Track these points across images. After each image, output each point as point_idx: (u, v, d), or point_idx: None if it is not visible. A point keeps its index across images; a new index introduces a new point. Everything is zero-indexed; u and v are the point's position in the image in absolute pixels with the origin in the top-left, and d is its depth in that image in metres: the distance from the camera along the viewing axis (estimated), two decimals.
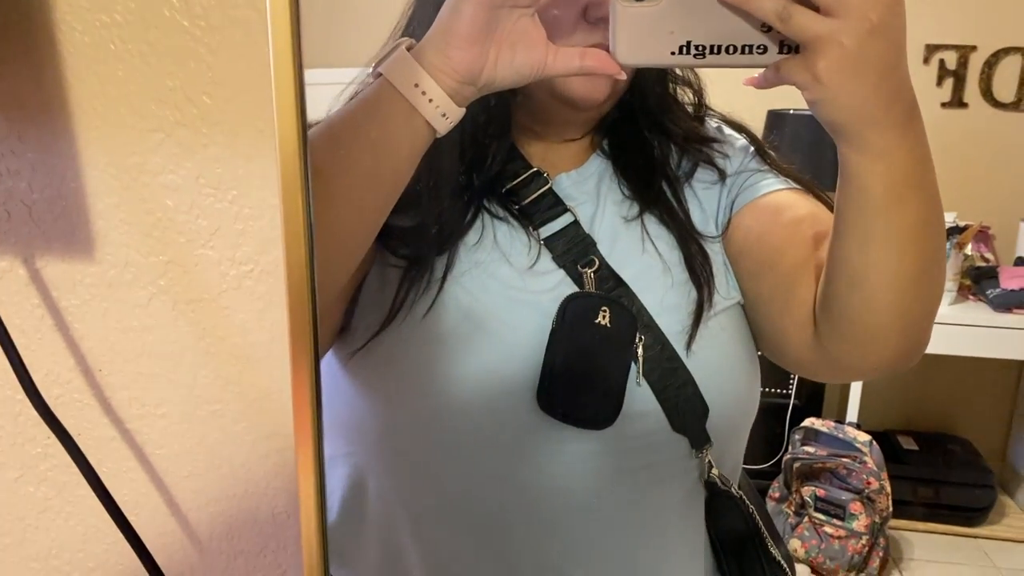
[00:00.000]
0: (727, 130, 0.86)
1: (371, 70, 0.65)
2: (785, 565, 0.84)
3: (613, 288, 0.75)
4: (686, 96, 0.84)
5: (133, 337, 0.53)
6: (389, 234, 0.71)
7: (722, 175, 0.82)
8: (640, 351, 0.73)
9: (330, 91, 0.76)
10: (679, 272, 0.77)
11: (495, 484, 0.74)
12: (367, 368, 0.75)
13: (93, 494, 0.54)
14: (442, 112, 0.62)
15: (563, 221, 0.77)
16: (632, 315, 0.73)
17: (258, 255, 0.51)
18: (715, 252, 0.80)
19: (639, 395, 0.73)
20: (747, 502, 0.80)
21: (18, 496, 0.58)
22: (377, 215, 0.66)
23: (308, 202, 0.46)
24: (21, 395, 0.53)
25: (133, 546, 0.54)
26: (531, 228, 0.77)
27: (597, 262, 0.75)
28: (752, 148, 0.83)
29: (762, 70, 0.59)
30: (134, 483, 0.56)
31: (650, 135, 0.81)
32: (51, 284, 0.52)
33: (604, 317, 0.72)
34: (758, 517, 0.81)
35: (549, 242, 0.77)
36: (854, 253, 0.64)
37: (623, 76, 0.62)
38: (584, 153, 0.83)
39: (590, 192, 0.80)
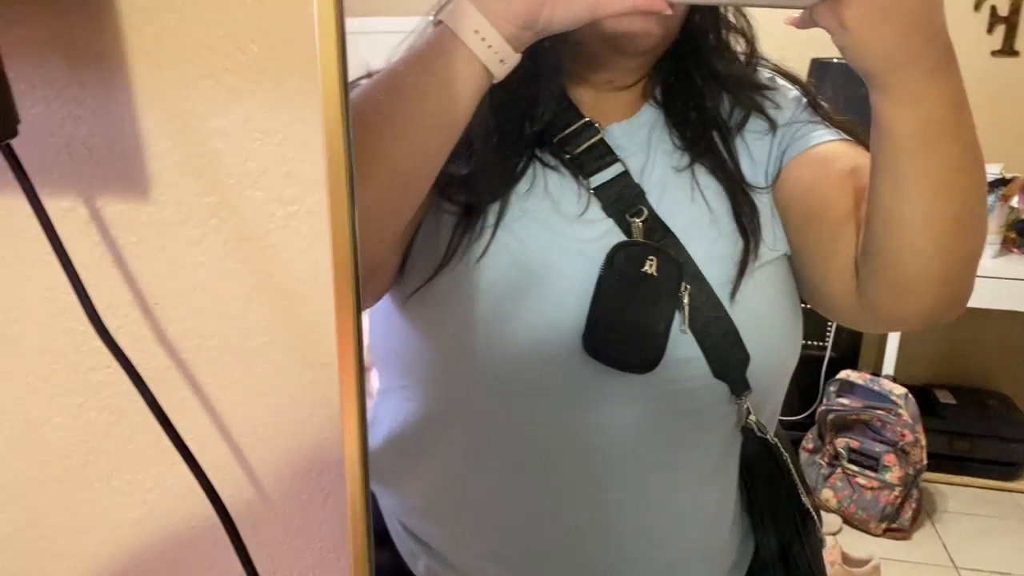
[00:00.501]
0: (780, 80, 0.85)
1: (432, 18, 0.68)
2: (814, 514, 0.86)
3: (661, 238, 0.76)
4: (738, 44, 0.84)
5: (186, 273, 0.57)
6: (444, 181, 0.74)
7: (773, 125, 0.82)
8: (686, 300, 0.75)
9: (387, 39, 0.78)
10: (726, 223, 0.78)
11: (541, 424, 0.77)
12: (421, 310, 0.78)
13: (151, 420, 0.58)
14: (500, 57, 0.64)
15: (613, 171, 0.78)
16: (679, 264, 0.75)
17: (303, 196, 0.54)
18: (763, 203, 0.80)
19: (683, 342, 0.75)
20: (782, 449, 0.82)
21: (81, 421, 0.62)
22: (436, 160, 0.68)
23: (349, 145, 0.49)
24: (84, 326, 0.57)
25: (191, 468, 0.58)
26: (581, 177, 0.79)
27: (645, 212, 0.77)
28: (804, 99, 0.83)
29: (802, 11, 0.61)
30: (188, 410, 0.60)
31: (703, 83, 0.81)
32: (110, 223, 0.56)
33: (651, 266, 0.74)
34: (791, 465, 0.83)
35: (599, 192, 0.78)
36: (888, 197, 0.66)
37: (669, 11, 0.63)
38: (636, 102, 0.83)
39: (641, 143, 0.81)
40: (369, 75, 0.80)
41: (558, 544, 0.81)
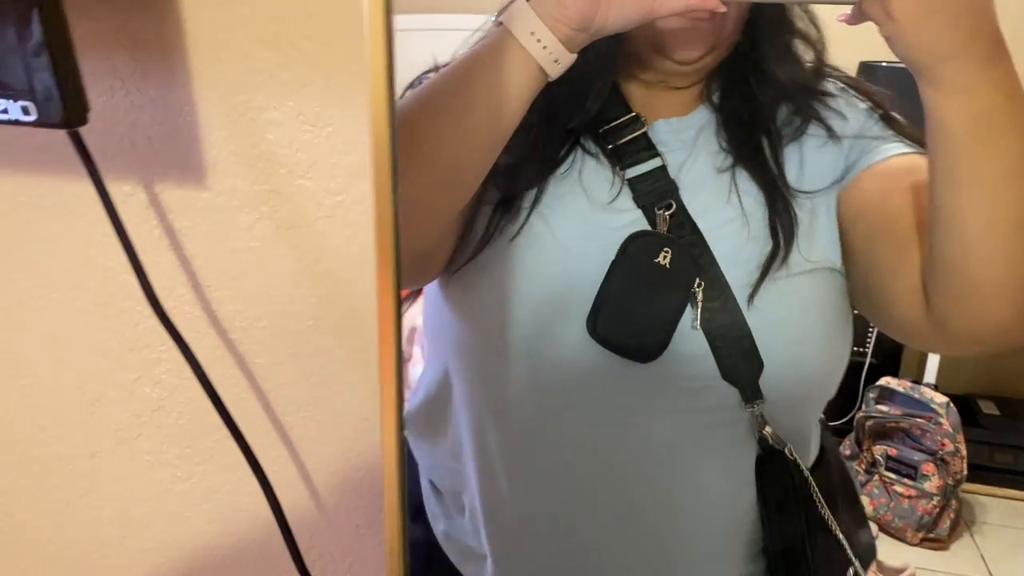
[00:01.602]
0: (851, 92, 0.84)
1: (494, 18, 0.70)
2: (840, 536, 0.82)
3: (686, 234, 0.77)
4: (806, 52, 0.83)
5: (238, 257, 0.60)
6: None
7: (832, 134, 0.80)
8: (699, 297, 0.75)
9: (448, 36, 0.81)
10: (759, 227, 0.78)
11: (544, 400, 0.79)
12: (459, 288, 0.82)
13: (201, 396, 0.61)
14: (555, 58, 0.67)
15: (651, 164, 0.80)
16: (694, 261, 0.76)
17: (349, 187, 0.56)
18: (808, 213, 0.79)
19: (693, 339, 0.75)
20: (800, 466, 0.80)
21: (136, 396, 0.66)
22: (489, 154, 0.72)
23: (394, 139, 0.51)
24: (141, 305, 0.60)
25: (238, 443, 0.61)
26: (618, 168, 0.80)
27: (675, 206, 0.78)
28: (877, 112, 0.82)
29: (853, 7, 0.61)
30: (236, 388, 0.63)
31: (760, 89, 0.81)
32: (167, 208, 0.59)
33: (665, 258, 0.75)
34: (812, 481, 0.81)
35: (633, 183, 0.79)
36: (945, 197, 0.64)
37: (723, 9, 0.65)
38: (691, 103, 0.84)
39: (686, 141, 0.82)
40: (436, 69, 0.84)
41: (562, 518, 0.83)
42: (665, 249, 0.75)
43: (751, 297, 0.76)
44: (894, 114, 0.82)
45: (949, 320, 0.69)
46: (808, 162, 0.80)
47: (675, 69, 0.80)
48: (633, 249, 0.76)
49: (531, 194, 0.79)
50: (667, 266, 0.75)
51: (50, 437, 0.68)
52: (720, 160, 0.80)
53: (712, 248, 0.77)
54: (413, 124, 0.72)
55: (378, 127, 0.49)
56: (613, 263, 0.76)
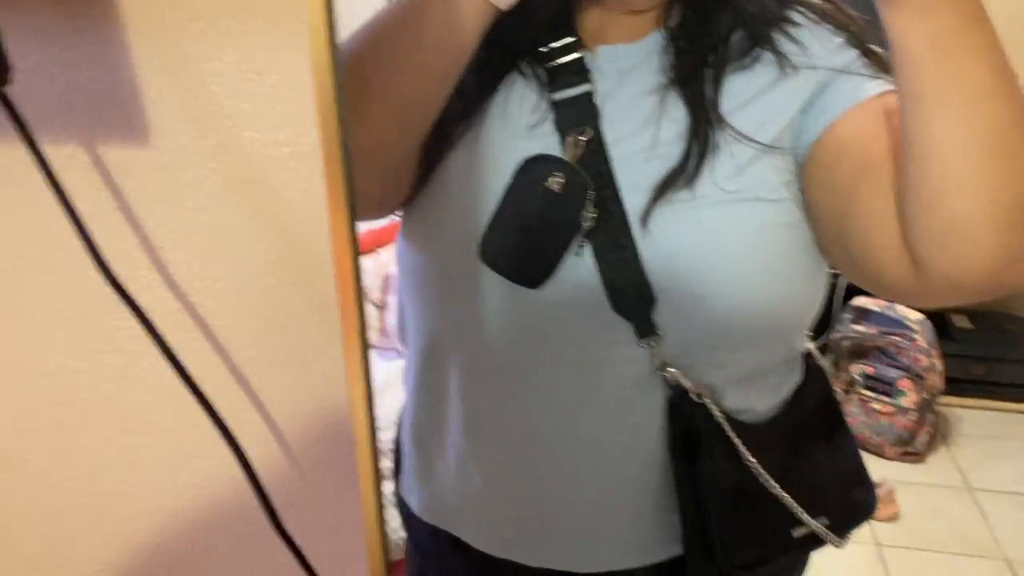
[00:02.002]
0: (825, 25, 0.79)
1: None
2: (777, 490, 0.78)
3: (595, 163, 0.75)
4: None
5: (190, 216, 0.57)
6: None
7: (787, 66, 0.76)
8: (587, 223, 0.73)
9: None
10: (671, 151, 0.74)
11: (459, 330, 0.80)
12: (406, 216, 0.82)
13: (164, 362, 0.60)
14: None
15: (579, 90, 0.77)
16: (587, 186, 0.73)
17: (298, 137, 0.54)
18: (733, 143, 0.75)
19: (581, 266, 0.73)
20: (710, 410, 0.76)
21: (97, 366, 0.64)
22: (444, 86, 0.71)
23: (338, 83, 0.49)
24: (93, 272, 0.58)
25: (205, 409, 0.60)
26: (547, 90, 0.78)
27: (591, 133, 0.75)
28: (855, 47, 0.77)
29: None
30: (199, 351, 0.62)
31: (718, 12, 0.77)
32: (112, 169, 0.57)
33: (556, 183, 0.74)
34: (729, 428, 0.77)
35: (558, 106, 0.77)
36: (916, 126, 0.62)
37: None
38: (645, 27, 0.80)
39: (624, 69, 0.79)
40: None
41: (476, 436, 0.84)
42: (557, 173, 0.74)
43: (644, 220, 0.72)
44: (874, 48, 0.77)
45: (932, 267, 0.65)
46: (757, 96, 0.76)
47: None
48: (527, 173, 0.74)
49: (467, 120, 0.78)
50: (557, 191, 0.74)
51: (14, 411, 0.66)
52: (654, 83, 0.77)
53: (619, 176, 0.75)
54: (362, 63, 0.69)
55: (321, 75, 0.46)
56: (508, 187, 0.75)
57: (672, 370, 0.75)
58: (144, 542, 0.69)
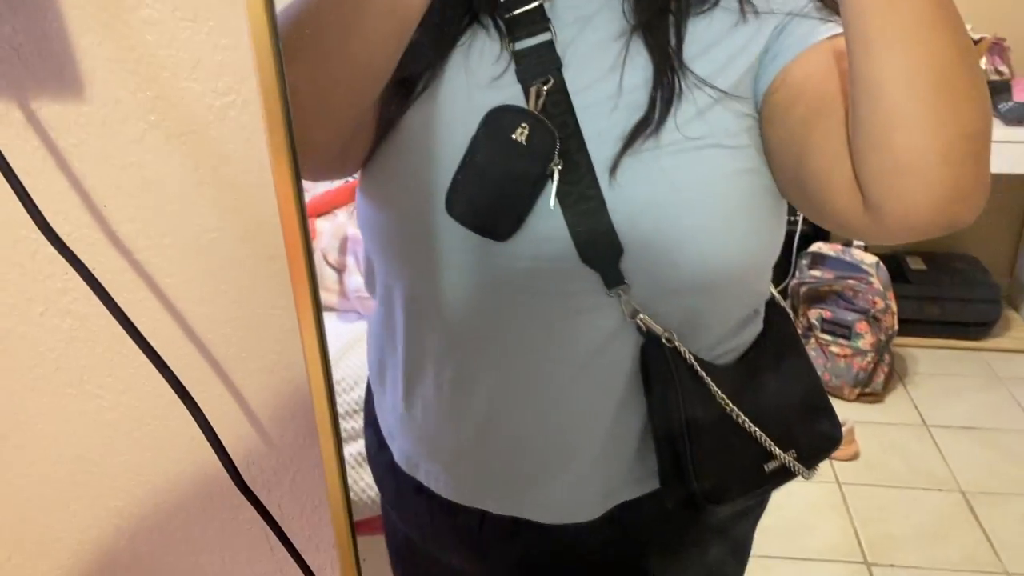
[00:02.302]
0: None
1: None
2: (749, 426, 0.80)
3: (559, 113, 0.75)
4: None
5: (132, 172, 0.56)
6: None
7: (746, 8, 0.76)
8: (555, 174, 0.74)
9: None
10: (635, 98, 0.74)
11: (418, 281, 0.79)
12: (366, 173, 0.80)
13: (115, 323, 0.59)
14: None
15: (540, 39, 0.77)
16: (553, 137, 0.73)
17: (238, 85, 0.53)
18: (695, 88, 0.74)
19: (550, 218, 0.73)
20: (682, 352, 0.77)
21: (46, 329, 0.63)
22: (398, 43, 0.69)
23: (274, 29, 0.48)
24: (35, 233, 0.57)
25: (158, 367, 0.59)
26: (508, 41, 0.77)
27: (553, 81, 0.75)
28: None
29: None
30: (150, 310, 0.61)
31: None
32: (48, 125, 0.55)
33: (522, 134, 0.73)
34: (700, 369, 0.78)
35: (519, 56, 0.76)
36: (862, 64, 0.64)
37: None
38: None
39: (587, 15, 0.79)
40: None
41: (441, 404, 0.84)
42: (523, 125, 0.73)
43: (612, 171, 0.72)
44: None
45: (883, 205, 0.66)
46: (716, 41, 0.77)
47: None
48: (491, 125, 0.73)
49: (427, 75, 0.77)
50: (523, 143, 0.73)
51: None
52: (618, 28, 0.77)
53: (584, 126, 0.75)
54: (302, 29, 0.68)
55: (256, 19, 0.45)
56: (472, 139, 0.74)
57: (643, 317, 0.75)
58: (107, 506, 0.69)
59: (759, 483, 0.82)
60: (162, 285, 0.60)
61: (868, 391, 2.71)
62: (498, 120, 0.74)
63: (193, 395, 0.60)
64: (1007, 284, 3.28)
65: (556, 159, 0.72)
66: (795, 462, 0.82)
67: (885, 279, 2.67)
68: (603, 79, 0.75)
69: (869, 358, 2.63)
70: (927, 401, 2.73)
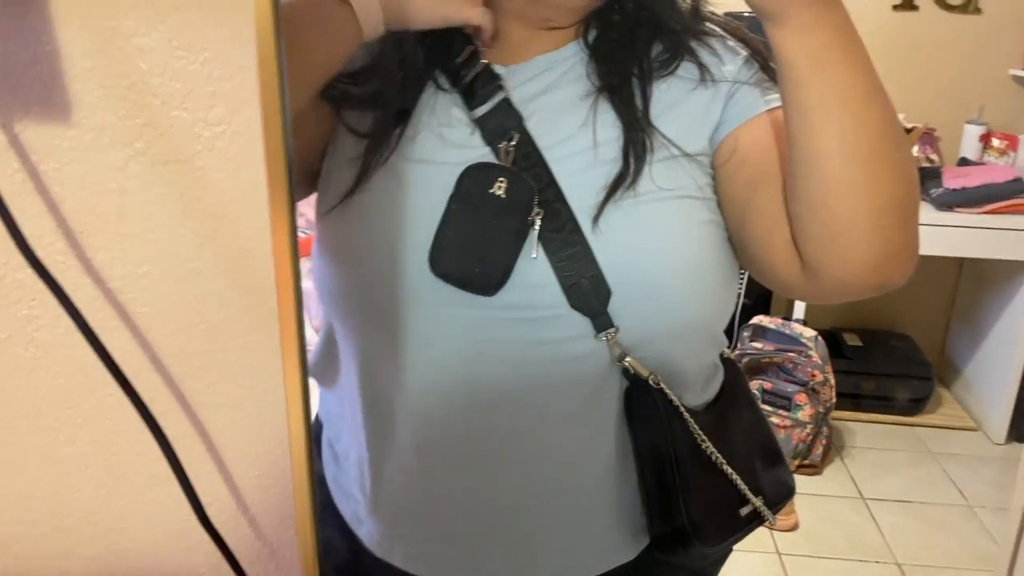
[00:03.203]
0: (730, 39, 0.85)
1: None
2: (729, 471, 0.83)
3: (531, 165, 0.77)
4: (684, 0, 0.84)
5: (112, 199, 0.56)
6: (349, 105, 0.79)
7: (706, 75, 0.81)
8: (537, 224, 0.75)
9: None
10: (610, 153, 0.78)
11: (404, 344, 0.78)
12: (329, 232, 0.80)
13: (79, 352, 0.57)
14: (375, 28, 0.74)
15: (495, 101, 0.79)
16: (531, 188, 0.75)
17: (230, 116, 0.53)
18: (664, 147, 0.79)
19: (535, 267, 0.75)
20: (668, 396, 0.79)
21: (7, 357, 0.61)
22: (306, 92, 0.75)
23: (282, 63, 0.49)
24: (7, 257, 0.56)
25: (130, 398, 0.58)
26: (469, 108, 0.80)
27: (518, 137, 0.78)
28: (758, 61, 0.83)
29: None
30: (119, 340, 0.60)
31: (637, 28, 0.81)
32: (30, 148, 0.54)
33: (500, 188, 0.75)
34: (685, 414, 0.80)
35: (482, 121, 0.79)
36: (800, 131, 0.68)
37: None
38: (565, 39, 0.83)
39: (550, 76, 0.81)
40: None
41: (415, 474, 0.82)
42: (500, 179, 0.75)
43: (596, 220, 0.75)
44: (772, 64, 0.81)
45: (820, 267, 0.71)
46: (677, 103, 0.81)
47: (563, 3, 0.79)
48: (469, 181, 0.76)
49: (396, 135, 0.79)
50: (502, 196, 0.75)
51: None
52: (584, 88, 0.80)
53: (561, 177, 0.77)
54: None
55: (264, 48, 0.46)
56: (451, 197, 0.76)
57: (630, 359, 0.77)
58: (54, 549, 0.66)
59: (735, 527, 0.84)
60: (135, 315, 0.59)
61: (807, 463, 2.75)
62: (475, 176, 0.76)
63: (161, 428, 0.59)
64: (938, 362, 3.39)
65: (536, 208, 0.74)
66: (763, 507, 0.84)
67: (823, 353, 2.74)
68: (576, 135, 0.78)
69: (808, 430, 2.67)
70: (863, 474, 2.78)
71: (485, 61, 0.81)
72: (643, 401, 0.79)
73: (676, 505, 0.80)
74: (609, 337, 0.76)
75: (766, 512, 0.86)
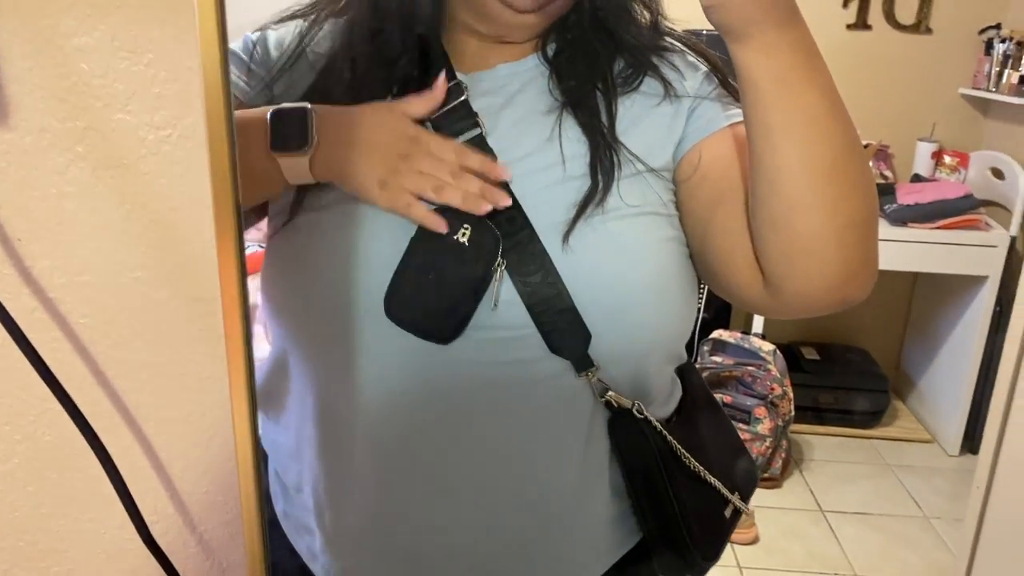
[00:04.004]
0: (690, 54, 0.84)
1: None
2: (711, 480, 0.83)
3: (501, 211, 0.75)
4: (643, 16, 0.83)
5: (52, 205, 0.54)
6: None
7: (669, 91, 0.80)
8: (498, 273, 0.73)
9: None
10: (577, 167, 0.77)
11: (355, 364, 0.75)
12: (274, 251, 0.78)
13: (16, 366, 0.55)
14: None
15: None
16: (496, 237, 0.73)
17: (176, 119, 0.52)
18: (630, 162, 0.78)
19: (502, 312, 0.73)
20: (652, 422, 0.79)
21: None
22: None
23: (226, 64, 0.47)
24: None
25: (69, 413, 0.56)
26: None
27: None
28: (717, 77, 0.82)
29: None
30: (58, 352, 0.57)
31: (598, 45, 0.80)
32: None
33: (464, 235, 0.73)
34: (667, 436, 0.80)
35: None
36: (763, 150, 0.68)
37: None
38: (523, 52, 0.82)
39: (511, 88, 0.80)
40: (262, 29, 0.82)
41: (372, 514, 0.80)
42: (464, 226, 0.73)
43: (566, 237, 0.74)
44: (731, 80, 0.81)
45: (782, 284, 0.72)
46: (641, 118, 0.80)
47: (513, 20, 0.77)
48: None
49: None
50: (465, 243, 0.73)
51: None
52: (546, 103, 0.79)
53: (525, 194, 0.75)
54: None
55: (208, 48, 0.45)
56: (412, 240, 0.73)
57: (612, 394, 0.76)
58: (0, 573, 0.63)
59: (725, 530, 0.84)
60: (75, 326, 0.57)
61: (767, 476, 2.76)
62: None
63: (103, 443, 0.57)
64: (894, 375, 3.44)
65: (500, 259, 0.72)
66: (740, 502, 0.85)
67: (782, 366, 2.76)
68: (541, 149, 0.76)
69: (768, 443, 2.69)
70: (822, 486, 2.80)
71: (464, 97, 0.78)
72: (630, 431, 0.79)
73: (677, 529, 0.80)
74: (589, 375, 0.75)
75: (742, 506, 0.87)
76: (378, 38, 0.77)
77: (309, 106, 0.72)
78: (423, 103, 0.75)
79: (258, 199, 0.77)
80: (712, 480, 0.83)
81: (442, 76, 0.75)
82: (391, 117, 0.75)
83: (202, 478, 0.62)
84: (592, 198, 0.75)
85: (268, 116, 0.71)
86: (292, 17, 0.85)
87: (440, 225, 0.72)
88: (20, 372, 0.56)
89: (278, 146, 0.71)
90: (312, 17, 0.83)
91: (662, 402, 0.84)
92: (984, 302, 2.86)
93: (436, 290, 0.72)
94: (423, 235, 0.73)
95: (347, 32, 0.79)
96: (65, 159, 0.53)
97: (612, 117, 0.79)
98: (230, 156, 0.50)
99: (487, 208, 0.72)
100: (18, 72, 0.51)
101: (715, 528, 0.84)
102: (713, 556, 0.83)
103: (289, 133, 0.71)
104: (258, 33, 0.84)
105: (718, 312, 3.13)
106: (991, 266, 2.83)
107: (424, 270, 0.72)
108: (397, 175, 0.72)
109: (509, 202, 0.73)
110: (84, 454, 0.60)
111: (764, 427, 2.68)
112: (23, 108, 0.51)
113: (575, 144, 0.77)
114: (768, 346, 2.79)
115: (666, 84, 0.80)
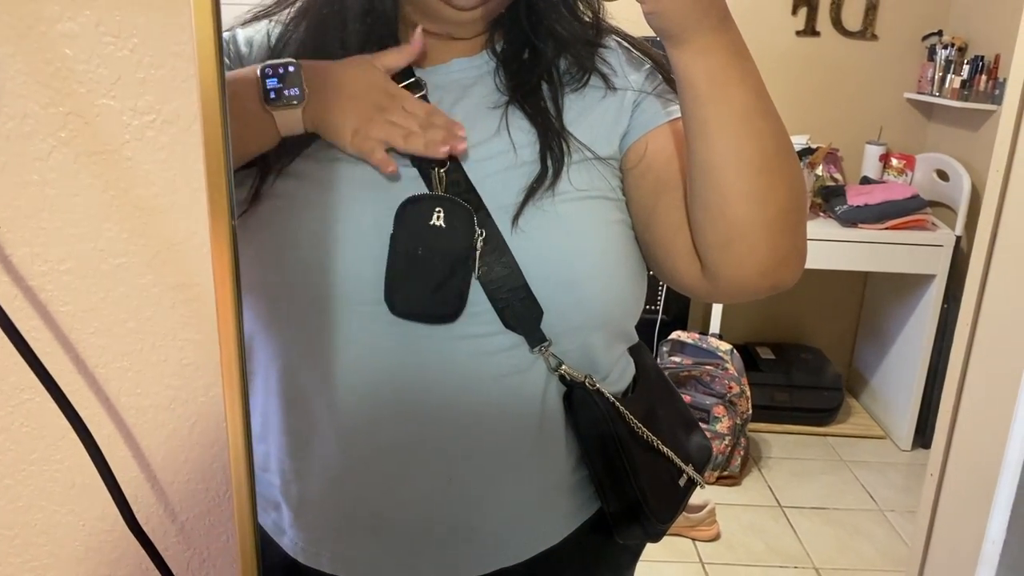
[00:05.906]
0: (633, 51, 0.88)
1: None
2: (664, 449, 0.86)
3: (462, 191, 0.78)
4: (586, 15, 0.87)
5: (33, 191, 0.54)
6: None
7: (611, 85, 0.84)
8: (479, 245, 0.76)
9: None
10: (527, 154, 0.80)
11: (322, 343, 0.77)
12: (246, 231, 0.79)
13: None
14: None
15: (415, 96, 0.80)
16: (469, 211, 0.76)
17: (160, 104, 0.52)
18: (579, 151, 0.82)
19: (475, 289, 0.77)
20: (604, 393, 0.82)
21: None
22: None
23: (220, 51, 0.48)
24: None
25: (57, 402, 0.55)
26: None
27: (449, 163, 0.78)
28: (660, 73, 0.86)
29: None
30: (39, 341, 0.57)
31: (541, 41, 0.84)
32: None
33: (439, 218, 0.76)
34: (620, 407, 0.83)
35: None
36: (699, 144, 0.74)
37: None
38: (474, 48, 0.86)
39: (464, 84, 0.83)
40: (231, 29, 0.83)
41: (359, 490, 0.82)
42: (437, 209, 0.76)
43: (515, 219, 0.77)
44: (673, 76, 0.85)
45: (718, 270, 0.77)
46: (588, 110, 0.84)
47: (459, 18, 0.80)
48: (407, 217, 0.76)
49: (303, 148, 0.79)
50: (442, 225, 0.76)
51: None
52: (494, 99, 0.82)
53: (478, 178, 0.78)
54: None
55: (203, 32, 0.45)
56: (392, 236, 0.76)
57: (566, 367, 0.79)
58: None
59: (679, 498, 0.87)
60: (56, 314, 0.56)
61: (726, 474, 2.80)
62: (412, 211, 0.76)
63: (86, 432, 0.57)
64: (847, 373, 3.51)
65: (478, 229, 0.75)
66: (695, 473, 0.88)
67: (739, 366, 2.80)
68: (493, 138, 0.80)
69: (727, 441, 2.73)
70: (780, 483, 2.85)
71: (423, 92, 0.81)
72: (584, 402, 0.82)
73: (628, 485, 0.83)
74: (543, 351, 0.77)
75: (697, 477, 0.92)
76: (339, 37, 0.81)
77: (296, 61, 0.76)
78: (400, 55, 0.80)
79: (248, 156, 0.78)
80: (665, 450, 0.87)
81: (419, 30, 0.79)
82: (370, 71, 0.78)
83: (184, 466, 0.62)
84: (542, 182, 0.79)
85: (259, 72, 0.75)
86: (256, 18, 0.87)
87: (389, 165, 0.76)
88: None
89: (273, 100, 0.74)
90: (276, 17, 0.85)
91: (615, 379, 0.88)
92: (932, 300, 2.94)
93: (430, 275, 0.74)
94: (401, 227, 0.75)
95: (310, 32, 0.82)
96: (47, 145, 0.53)
97: (559, 108, 0.84)
98: (224, 138, 0.50)
99: (445, 151, 0.76)
100: (0, 57, 0.50)
101: (669, 495, 0.89)
102: (668, 519, 0.88)
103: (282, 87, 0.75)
104: (228, 33, 0.86)
105: (677, 314, 3.18)
106: (938, 265, 2.91)
107: (412, 259, 0.75)
108: (370, 123, 0.76)
109: (465, 145, 0.77)
110: (62, 444, 0.60)
111: (723, 426, 2.72)
112: (5, 93, 0.51)
113: (525, 134, 0.81)
114: (725, 346, 2.84)
115: (605, 78, 0.84)
